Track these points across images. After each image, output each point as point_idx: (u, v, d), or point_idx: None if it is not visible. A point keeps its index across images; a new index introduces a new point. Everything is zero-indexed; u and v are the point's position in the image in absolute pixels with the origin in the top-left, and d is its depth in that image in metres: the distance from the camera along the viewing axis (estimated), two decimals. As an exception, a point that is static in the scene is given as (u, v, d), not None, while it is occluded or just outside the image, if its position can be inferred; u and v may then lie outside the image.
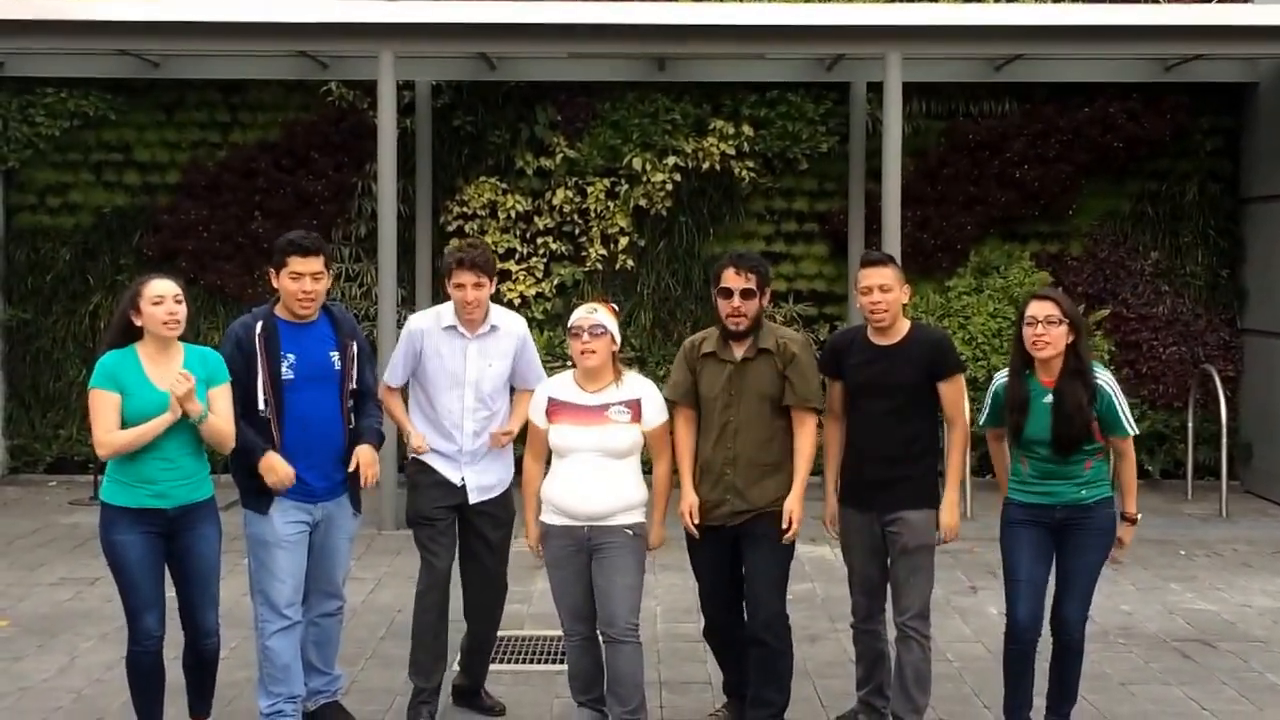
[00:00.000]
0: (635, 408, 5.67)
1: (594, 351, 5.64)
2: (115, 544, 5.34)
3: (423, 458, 6.07)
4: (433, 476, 6.05)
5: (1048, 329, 5.48)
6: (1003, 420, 5.65)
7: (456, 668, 6.36)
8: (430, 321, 6.10)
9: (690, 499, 5.77)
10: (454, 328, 6.04)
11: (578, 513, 5.63)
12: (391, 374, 6.16)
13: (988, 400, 5.72)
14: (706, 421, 5.78)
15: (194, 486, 5.41)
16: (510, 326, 6.17)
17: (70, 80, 11.88)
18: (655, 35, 10.57)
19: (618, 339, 5.75)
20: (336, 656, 6.11)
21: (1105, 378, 5.58)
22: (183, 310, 5.36)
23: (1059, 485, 5.52)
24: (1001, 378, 5.69)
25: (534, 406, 5.80)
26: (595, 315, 5.67)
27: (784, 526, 5.68)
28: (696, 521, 5.74)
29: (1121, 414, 5.54)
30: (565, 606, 5.79)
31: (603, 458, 5.62)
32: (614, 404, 5.65)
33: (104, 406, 5.27)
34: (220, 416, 5.40)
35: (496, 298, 11.22)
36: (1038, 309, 5.51)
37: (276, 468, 5.58)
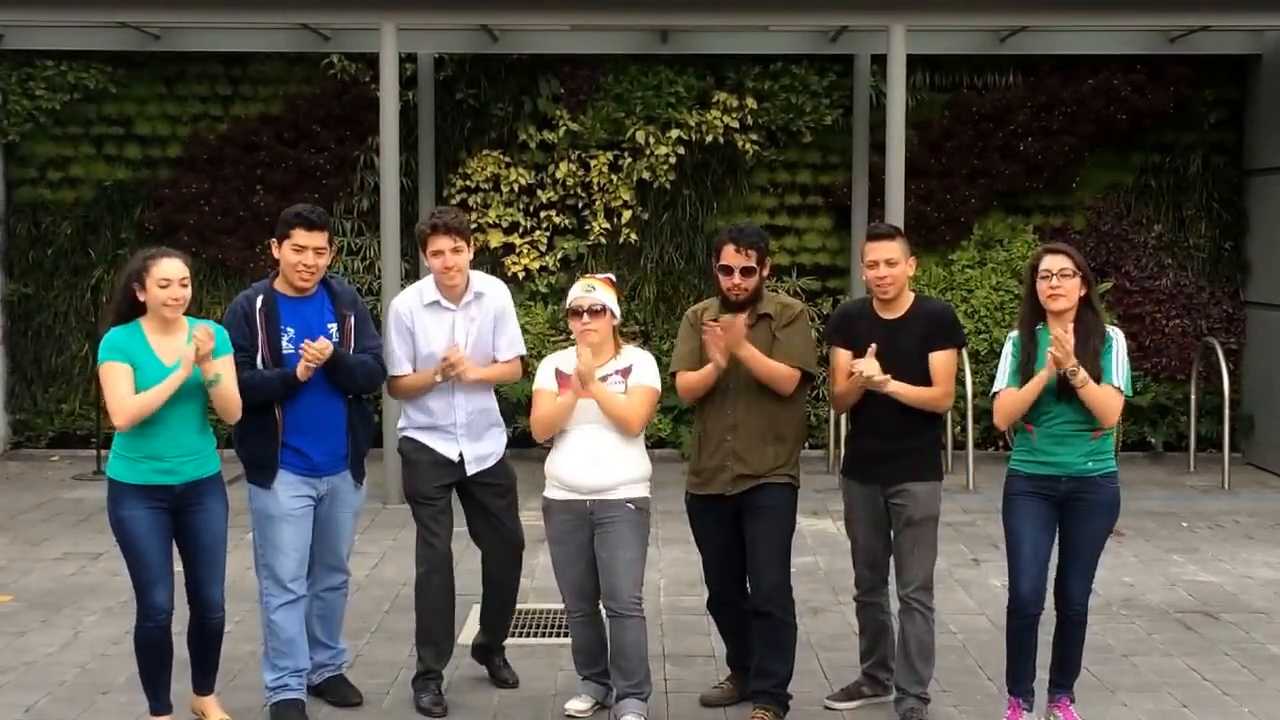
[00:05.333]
0: (627, 374, 5.67)
1: (594, 330, 5.64)
2: (123, 520, 5.35)
3: (418, 436, 6.01)
4: (430, 455, 6.00)
5: (1062, 281, 5.46)
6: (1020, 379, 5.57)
7: (476, 627, 6.35)
8: (413, 300, 6.02)
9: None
10: (437, 302, 5.98)
11: (580, 485, 5.65)
12: (395, 365, 6.03)
13: (1006, 357, 5.60)
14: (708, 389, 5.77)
15: (200, 462, 5.41)
16: (493, 293, 6.08)
17: (70, 53, 11.83)
18: (658, 7, 10.53)
19: (617, 313, 5.75)
20: (341, 630, 6.14)
21: (1116, 331, 5.57)
22: (187, 293, 5.34)
23: (1065, 453, 5.49)
24: (1015, 334, 5.65)
25: (542, 374, 5.79)
26: (594, 294, 5.66)
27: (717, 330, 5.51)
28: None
29: (1115, 365, 5.47)
30: (566, 583, 5.82)
31: (603, 430, 5.64)
32: (610, 374, 5.66)
33: (117, 377, 5.27)
34: (227, 385, 5.41)
35: (500, 272, 11.24)
36: (1051, 262, 5.49)
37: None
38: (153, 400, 5.23)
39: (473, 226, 11.77)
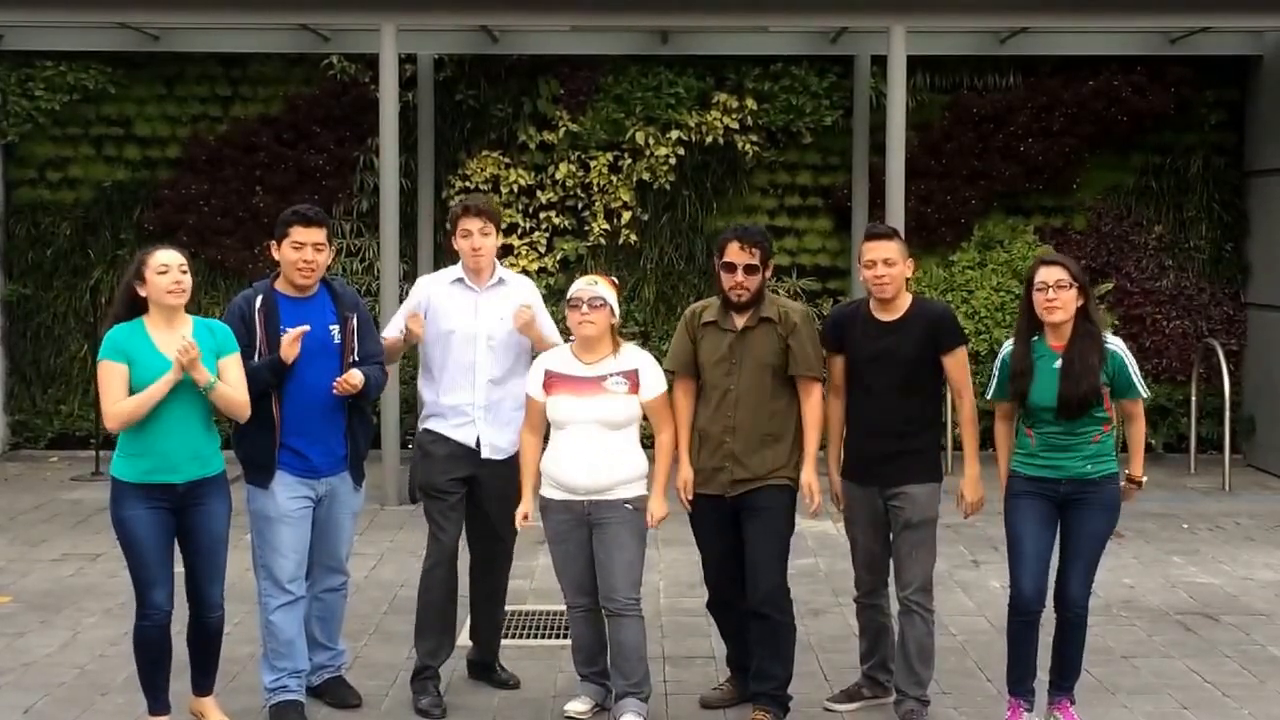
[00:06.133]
0: (633, 378, 5.67)
1: (592, 322, 5.63)
2: (125, 519, 5.33)
3: (436, 425, 6.01)
4: (446, 446, 5.99)
5: (1058, 293, 5.45)
6: (1011, 396, 5.61)
7: (468, 642, 6.35)
8: (439, 279, 6.13)
9: (686, 474, 5.77)
10: (461, 280, 6.03)
11: (577, 486, 5.64)
12: (390, 327, 6.18)
13: (995, 370, 5.67)
14: (707, 389, 5.77)
15: (204, 462, 5.40)
16: (519, 285, 6.15)
17: (69, 54, 11.82)
18: (657, 7, 10.53)
19: (617, 312, 5.74)
20: (340, 631, 6.13)
21: (1116, 342, 5.57)
22: (188, 279, 5.36)
23: (1065, 459, 5.50)
24: (1009, 346, 5.66)
25: (531, 380, 5.79)
26: (595, 287, 5.67)
27: (806, 500, 5.71)
28: (690, 497, 5.76)
29: (1134, 376, 5.52)
30: (567, 579, 5.81)
31: (601, 429, 5.62)
32: (611, 375, 5.65)
33: (111, 378, 5.26)
34: (232, 386, 5.39)
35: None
36: (1047, 274, 5.48)
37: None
38: (143, 404, 5.22)
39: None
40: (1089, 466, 5.50)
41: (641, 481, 5.74)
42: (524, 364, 6.04)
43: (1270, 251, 11.65)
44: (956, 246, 12.09)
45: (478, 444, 5.98)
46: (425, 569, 6.05)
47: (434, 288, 6.08)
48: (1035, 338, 5.55)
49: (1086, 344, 5.45)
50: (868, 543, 5.85)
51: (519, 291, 6.11)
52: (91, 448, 11.30)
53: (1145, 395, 5.56)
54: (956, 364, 5.73)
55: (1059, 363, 5.47)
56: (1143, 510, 9.82)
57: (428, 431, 6.08)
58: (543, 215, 12.03)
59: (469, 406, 5.98)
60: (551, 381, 5.71)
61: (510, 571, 6.30)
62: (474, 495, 6.07)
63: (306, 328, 5.60)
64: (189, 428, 5.34)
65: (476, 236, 5.95)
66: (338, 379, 5.64)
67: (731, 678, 6.06)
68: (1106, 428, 5.53)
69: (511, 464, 6.06)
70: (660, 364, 5.85)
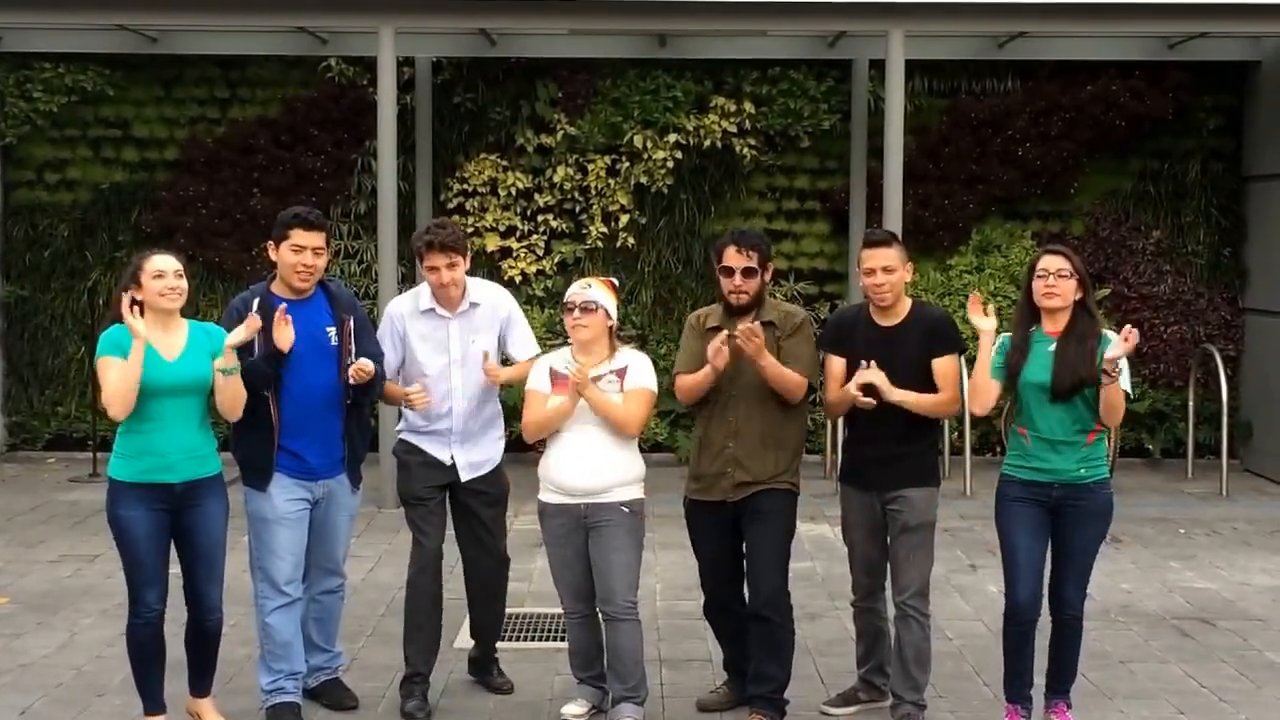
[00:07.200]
0: (622, 375, 5.67)
1: (585, 326, 5.64)
2: (121, 520, 5.33)
3: (412, 438, 6.03)
4: (422, 456, 6.01)
5: (1059, 282, 5.49)
6: (1006, 376, 5.60)
7: (469, 639, 6.36)
8: (409, 306, 6.04)
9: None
10: (433, 310, 5.98)
11: (574, 488, 5.64)
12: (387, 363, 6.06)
13: (993, 353, 5.63)
14: (709, 395, 5.76)
15: (201, 462, 5.40)
16: (492, 301, 6.08)
17: (68, 55, 11.82)
18: (656, 11, 10.53)
19: (614, 314, 5.74)
20: (337, 633, 6.13)
21: (1114, 336, 5.58)
22: (183, 284, 5.36)
23: (1057, 459, 5.49)
24: (1006, 335, 5.66)
25: (536, 376, 5.79)
26: (589, 291, 5.67)
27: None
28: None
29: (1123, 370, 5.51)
30: (564, 585, 5.81)
31: (597, 429, 5.63)
32: (605, 374, 5.65)
33: (109, 370, 5.25)
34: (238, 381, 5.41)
35: (497, 275, 11.20)
36: (1049, 262, 5.52)
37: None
38: (127, 370, 5.17)
39: (469, 230, 11.77)
40: (1082, 470, 5.51)
41: (639, 484, 5.74)
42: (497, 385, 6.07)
43: (1268, 257, 11.67)
44: (954, 250, 12.10)
45: (453, 463, 6.00)
46: (411, 576, 6.05)
47: (409, 316, 5.99)
48: (1034, 328, 5.57)
49: (1083, 329, 5.47)
50: (865, 547, 5.86)
51: (493, 309, 6.06)
52: (89, 449, 11.29)
53: (1128, 390, 5.50)
54: (946, 368, 5.68)
55: (1053, 346, 5.49)
56: (1140, 515, 9.84)
57: (403, 443, 6.09)
58: (540, 218, 12.03)
59: (446, 431, 6.00)
60: (553, 380, 5.72)
61: (510, 570, 6.30)
62: (461, 503, 6.08)
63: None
64: (184, 427, 5.34)
65: (444, 271, 5.87)
66: (353, 366, 5.61)
67: (728, 681, 6.06)
68: (1100, 426, 5.53)
69: (492, 473, 6.07)
70: (658, 367, 5.85)
